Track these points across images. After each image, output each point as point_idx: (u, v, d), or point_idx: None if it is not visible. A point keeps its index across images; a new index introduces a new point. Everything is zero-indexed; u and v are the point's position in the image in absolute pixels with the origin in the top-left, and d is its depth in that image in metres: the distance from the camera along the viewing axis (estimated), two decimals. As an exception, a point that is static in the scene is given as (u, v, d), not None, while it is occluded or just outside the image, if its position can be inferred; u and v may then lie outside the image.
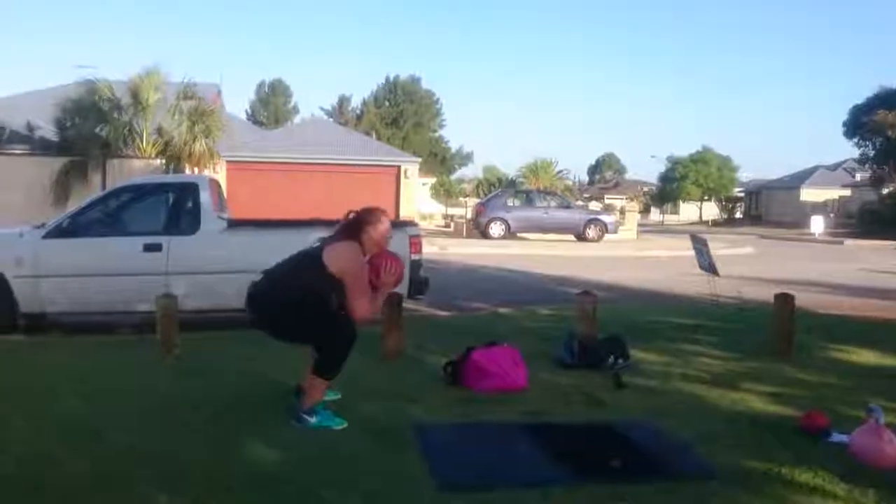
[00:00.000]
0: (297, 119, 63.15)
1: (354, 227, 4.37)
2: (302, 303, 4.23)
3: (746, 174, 66.82)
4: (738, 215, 62.79)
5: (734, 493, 3.37)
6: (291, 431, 4.14)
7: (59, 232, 7.53)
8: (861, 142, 41.55)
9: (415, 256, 8.04)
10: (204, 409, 4.56)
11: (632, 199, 57.97)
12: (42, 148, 19.73)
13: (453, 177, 69.99)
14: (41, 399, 4.82)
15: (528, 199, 26.28)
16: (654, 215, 69.35)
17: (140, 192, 8.25)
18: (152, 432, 4.11)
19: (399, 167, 28.83)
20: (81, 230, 7.60)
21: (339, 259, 4.21)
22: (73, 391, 5.00)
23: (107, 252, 7.55)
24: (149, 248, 7.48)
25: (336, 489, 3.38)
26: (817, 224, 34.42)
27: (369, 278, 4.33)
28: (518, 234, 24.77)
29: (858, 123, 39.76)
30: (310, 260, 4.29)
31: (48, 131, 19.77)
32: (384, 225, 4.43)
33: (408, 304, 7.19)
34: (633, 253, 21.44)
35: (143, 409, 4.58)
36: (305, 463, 3.68)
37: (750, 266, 16.54)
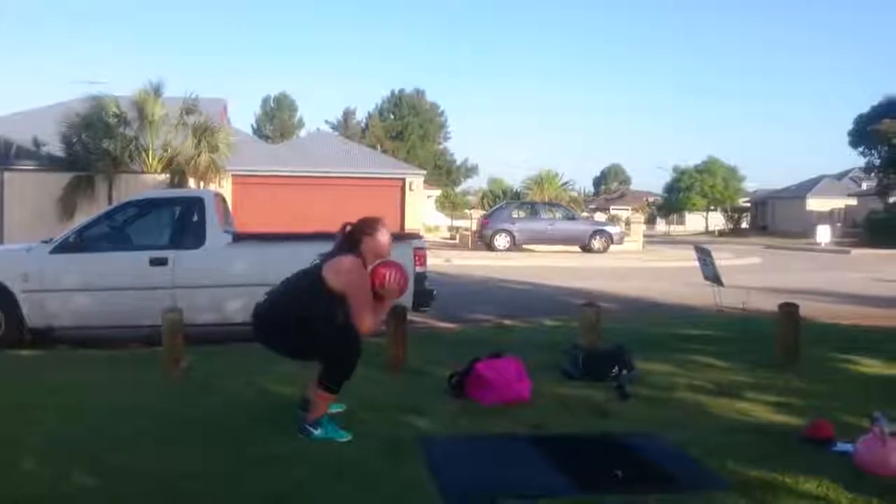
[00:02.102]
0: (302, 133, 63.32)
1: (352, 239, 4.33)
2: (306, 323, 4.21)
3: (752, 184, 66.79)
4: (744, 225, 62.67)
5: (738, 503, 3.37)
6: (297, 444, 4.15)
7: (65, 247, 7.58)
8: (866, 151, 41.59)
9: (419, 269, 8.07)
10: (210, 422, 4.57)
11: (637, 210, 57.83)
12: (49, 163, 19.85)
13: (458, 189, 70.08)
14: (48, 414, 4.83)
15: (533, 210, 26.32)
16: (660, 226, 69.27)
17: (146, 207, 8.31)
18: (158, 447, 4.12)
19: (404, 180, 28.91)
20: (88, 245, 7.65)
21: (339, 275, 4.18)
22: (79, 406, 5.02)
23: (113, 267, 7.59)
24: (155, 262, 7.53)
25: (343, 502, 3.39)
26: (823, 233, 34.37)
27: (373, 288, 4.32)
28: (523, 246, 24.79)
29: (864, 132, 39.76)
30: (310, 278, 4.27)
31: (55, 147, 19.90)
32: (383, 234, 4.36)
33: (412, 317, 7.21)
34: (639, 264, 21.43)
35: (149, 423, 4.59)
36: (312, 476, 3.68)
37: (755, 276, 16.51)
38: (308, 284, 4.27)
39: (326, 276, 4.20)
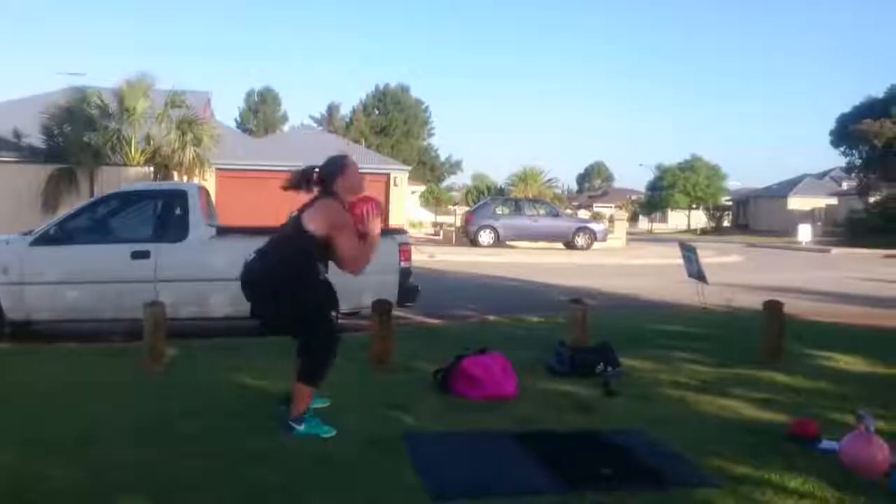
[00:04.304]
0: (286, 127, 63.08)
1: (323, 182, 4.27)
2: (293, 279, 4.15)
3: (734, 183, 67.21)
4: (726, 224, 63.06)
5: (725, 500, 3.37)
6: (280, 441, 4.11)
7: (46, 239, 7.47)
8: (848, 150, 41.94)
9: (404, 264, 8.03)
10: (192, 419, 4.51)
11: (620, 208, 58.02)
12: (30, 155, 19.62)
13: (443, 185, 70.04)
14: (25, 409, 4.77)
15: (517, 207, 26.29)
16: (643, 223, 69.56)
17: (128, 200, 8.21)
18: (139, 444, 4.07)
19: (388, 175, 28.84)
20: (69, 237, 7.54)
21: (320, 219, 4.14)
22: (58, 401, 4.95)
23: (94, 259, 7.49)
24: (137, 255, 7.44)
25: (327, 499, 3.36)
26: (804, 232, 34.61)
27: (356, 227, 4.20)
28: (507, 242, 24.79)
29: (845, 132, 40.07)
30: (293, 229, 4.22)
31: (36, 138, 19.66)
32: (352, 169, 4.29)
33: (397, 312, 7.17)
34: (622, 261, 21.48)
35: (129, 419, 4.53)
36: (296, 472, 3.65)
37: (738, 274, 16.61)
38: (292, 235, 4.21)
39: (308, 224, 4.14)
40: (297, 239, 4.19)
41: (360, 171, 4.42)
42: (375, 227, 4.28)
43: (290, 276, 4.17)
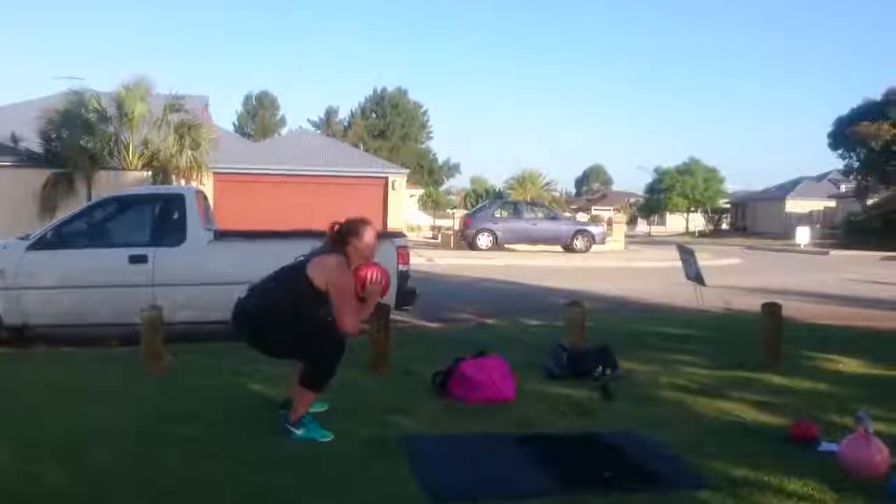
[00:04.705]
0: (284, 131, 63.15)
1: (339, 239, 4.31)
2: (288, 320, 4.18)
3: (732, 186, 67.28)
4: (725, 226, 63.09)
5: (724, 503, 3.36)
6: (279, 444, 4.09)
7: (42, 243, 7.45)
8: (845, 153, 41.94)
9: (402, 267, 8.00)
10: (190, 422, 4.50)
11: (619, 211, 58.13)
12: (28, 159, 19.59)
13: (441, 188, 70.07)
14: (24, 412, 4.75)
15: (515, 210, 26.27)
16: (641, 226, 69.58)
17: (126, 204, 8.18)
18: (137, 447, 4.06)
19: (387, 178, 28.83)
20: (66, 242, 7.52)
21: (323, 273, 4.17)
22: (56, 406, 4.94)
23: (91, 264, 7.47)
24: (134, 259, 7.42)
25: (326, 502, 3.34)
26: (803, 235, 34.62)
27: (355, 290, 4.29)
28: (506, 246, 24.78)
29: (843, 135, 40.10)
30: (295, 275, 4.24)
31: (34, 143, 19.64)
32: (369, 236, 4.36)
33: (395, 316, 7.16)
34: (621, 264, 21.47)
35: (127, 423, 4.51)
36: (295, 475, 3.64)
37: (737, 276, 16.60)
38: (293, 280, 4.23)
39: (311, 274, 4.17)
40: (297, 283, 4.20)
41: (373, 237, 4.42)
42: (373, 294, 4.36)
43: (285, 318, 4.19)
